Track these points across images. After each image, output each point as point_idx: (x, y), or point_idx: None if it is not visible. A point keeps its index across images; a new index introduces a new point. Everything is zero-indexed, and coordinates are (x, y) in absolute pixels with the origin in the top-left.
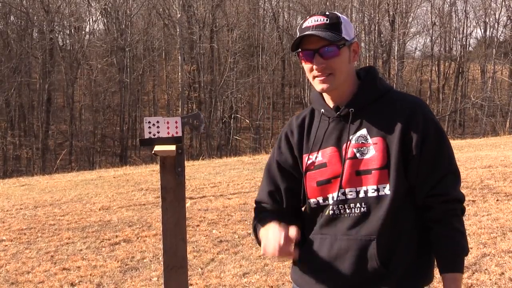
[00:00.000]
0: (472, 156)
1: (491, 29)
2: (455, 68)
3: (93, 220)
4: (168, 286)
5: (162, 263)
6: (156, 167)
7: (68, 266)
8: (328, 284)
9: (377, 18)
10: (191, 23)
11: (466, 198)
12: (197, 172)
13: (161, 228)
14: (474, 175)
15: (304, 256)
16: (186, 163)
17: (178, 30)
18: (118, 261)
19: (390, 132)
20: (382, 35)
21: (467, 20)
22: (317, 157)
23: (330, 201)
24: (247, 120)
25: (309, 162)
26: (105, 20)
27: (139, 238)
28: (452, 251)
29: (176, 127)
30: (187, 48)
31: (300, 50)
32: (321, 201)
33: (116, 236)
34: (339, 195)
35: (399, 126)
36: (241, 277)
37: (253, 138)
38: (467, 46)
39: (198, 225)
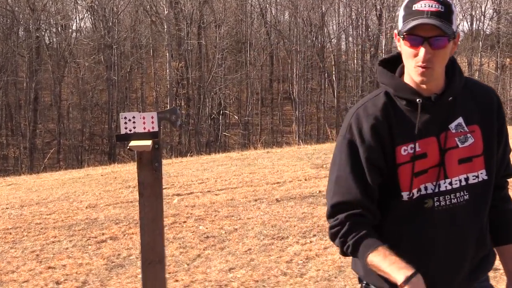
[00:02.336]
0: None
1: (478, 22)
2: None
3: (79, 218)
4: (146, 281)
5: None
6: None
7: (53, 264)
8: (436, 273)
9: (364, 12)
10: (179, 19)
11: None
12: (185, 169)
13: None
14: None
15: (405, 250)
16: (174, 160)
17: (165, 27)
18: (104, 259)
19: (485, 119)
20: (369, 29)
21: None
22: (415, 147)
23: (430, 191)
24: (235, 116)
25: (405, 153)
26: (92, 18)
27: (126, 235)
28: None
29: (152, 123)
30: (174, 45)
31: (406, 33)
32: (416, 193)
33: (103, 234)
34: (446, 185)
35: (492, 113)
36: (227, 272)
37: (242, 134)
38: None
39: (185, 221)
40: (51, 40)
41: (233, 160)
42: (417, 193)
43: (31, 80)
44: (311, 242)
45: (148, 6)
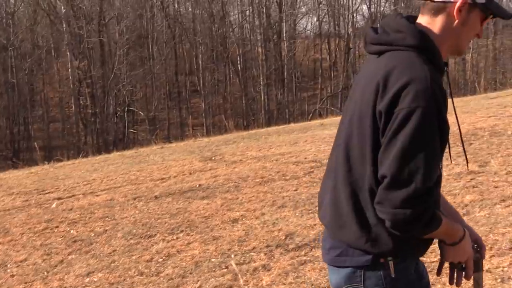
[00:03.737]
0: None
1: (375, 5)
2: (344, 46)
3: None
4: None
5: (7, 270)
6: (35, 169)
7: None
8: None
9: (264, 1)
10: (78, 17)
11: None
12: (75, 171)
13: (19, 233)
14: None
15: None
16: (66, 162)
17: (64, 25)
18: None
19: None
20: (271, 17)
21: None
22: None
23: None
24: (140, 113)
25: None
26: None
27: None
28: None
29: None
30: (76, 43)
31: (496, 15)
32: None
33: None
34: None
35: None
36: (84, 277)
37: (149, 130)
38: (355, 23)
39: (57, 227)
40: None
41: (125, 158)
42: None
43: None
44: (177, 238)
45: (45, 5)
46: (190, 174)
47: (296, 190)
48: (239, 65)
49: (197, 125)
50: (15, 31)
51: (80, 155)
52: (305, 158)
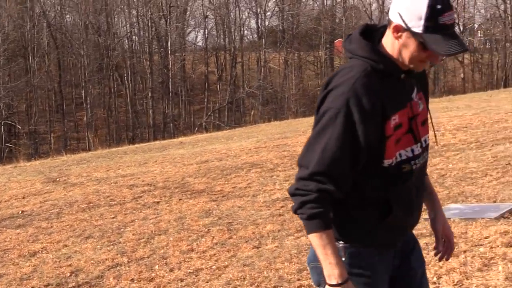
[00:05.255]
0: (209, 149)
1: (261, 20)
2: (230, 59)
3: None
4: None
5: None
6: None
7: None
8: (413, 222)
9: (149, 14)
10: None
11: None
12: None
13: None
14: (180, 173)
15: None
16: None
17: None
18: None
19: (423, 87)
20: (157, 30)
21: (239, 11)
22: (396, 118)
23: (410, 155)
24: (18, 126)
25: (392, 125)
26: None
27: None
28: None
29: None
30: None
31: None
32: (395, 159)
33: None
34: (418, 148)
35: (424, 81)
36: None
37: (29, 144)
38: (243, 37)
39: None
40: None
41: None
42: (396, 159)
43: None
44: None
45: None
46: (23, 198)
47: (113, 217)
48: (125, 78)
49: (83, 139)
50: None
51: None
52: (143, 181)
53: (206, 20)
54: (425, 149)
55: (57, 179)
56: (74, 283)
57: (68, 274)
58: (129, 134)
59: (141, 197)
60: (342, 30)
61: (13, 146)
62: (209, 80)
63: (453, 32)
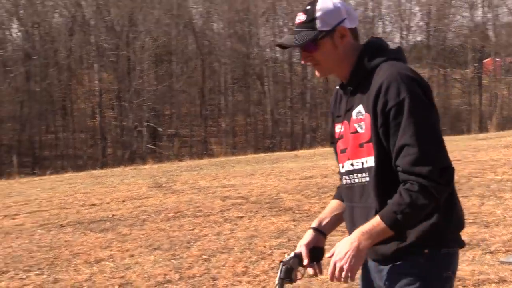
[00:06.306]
0: None
1: (406, 35)
2: None
3: None
4: None
5: None
6: None
7: None
8: None
9: (291, 24)
10: (108, 30)
11: None
12: (32, 188)
13: None
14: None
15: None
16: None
17: (92, 38)
18: None
19: (372, 108)
20: None
21: (383, 25)
22: (341, 128)
23: (342, 170)
24: (159, 129)
25: (337, 131)
26: None
27: None
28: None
29: None
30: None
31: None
32: (341, 169)
33: None
34: (348, 165)
35: (372, 100)
36: None
37: (169, 146)
38: None
39: None
40: None
41: (88, 178)
42: (341, 169)
43: None
44: (21, 279)
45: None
46: (123, 201)
47: (191, 230)
48: (266, 86)
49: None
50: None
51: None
52: (238, 193)
53: None
54: (365, 170)
55: (163, 185)
56: None
57: (117, 287)
58: (267, 141)
59: (228, 210)
60: (491, 48)
61: (153, 147)
62: None
63: (293, 30)
